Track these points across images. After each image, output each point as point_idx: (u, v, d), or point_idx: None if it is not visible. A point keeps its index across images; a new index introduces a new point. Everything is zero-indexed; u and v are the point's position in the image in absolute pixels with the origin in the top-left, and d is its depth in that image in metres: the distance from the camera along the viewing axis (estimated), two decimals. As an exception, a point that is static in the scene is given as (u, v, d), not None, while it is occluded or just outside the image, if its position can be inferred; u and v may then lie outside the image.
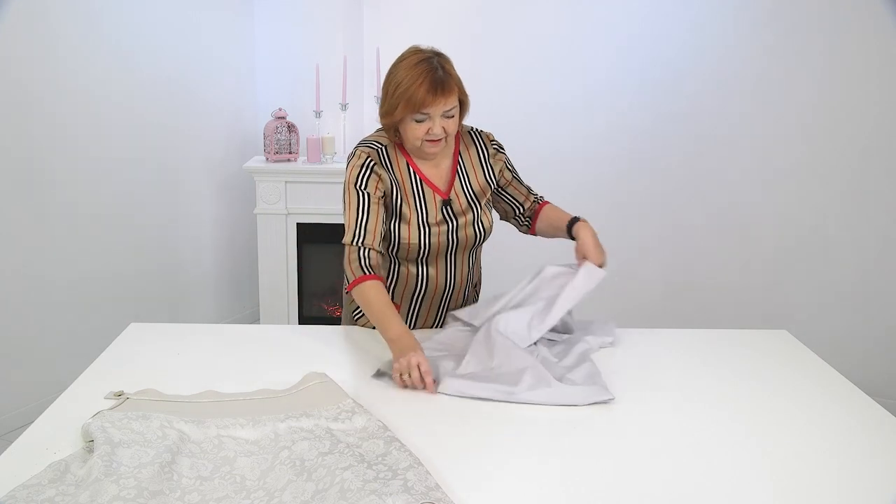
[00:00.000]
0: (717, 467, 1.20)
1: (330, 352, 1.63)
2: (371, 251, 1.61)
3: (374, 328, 1.81)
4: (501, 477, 1.15)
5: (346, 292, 1.71)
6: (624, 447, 1.25)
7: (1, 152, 2.61)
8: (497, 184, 1.81)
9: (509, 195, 1.83)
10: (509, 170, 1.82)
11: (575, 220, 1.74)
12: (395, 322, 1.53)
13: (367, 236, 1.62)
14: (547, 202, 1.86)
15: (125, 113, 3.07)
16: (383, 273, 1.69)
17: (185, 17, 3.30)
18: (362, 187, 1.64)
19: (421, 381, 1.41)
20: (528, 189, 1.86)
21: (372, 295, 1.56)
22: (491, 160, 1.77)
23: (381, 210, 1.65)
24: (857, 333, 3.10)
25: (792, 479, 1.18)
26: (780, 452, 1.25)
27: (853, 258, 3.09)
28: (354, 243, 1.61)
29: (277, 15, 3.58)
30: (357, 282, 1.59)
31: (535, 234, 1.87)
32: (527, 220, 1.86)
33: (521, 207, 1.85)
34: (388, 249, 1.72)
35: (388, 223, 1.68)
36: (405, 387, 1.43)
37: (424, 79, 1.54)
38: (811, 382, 1.54)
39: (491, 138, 1.81)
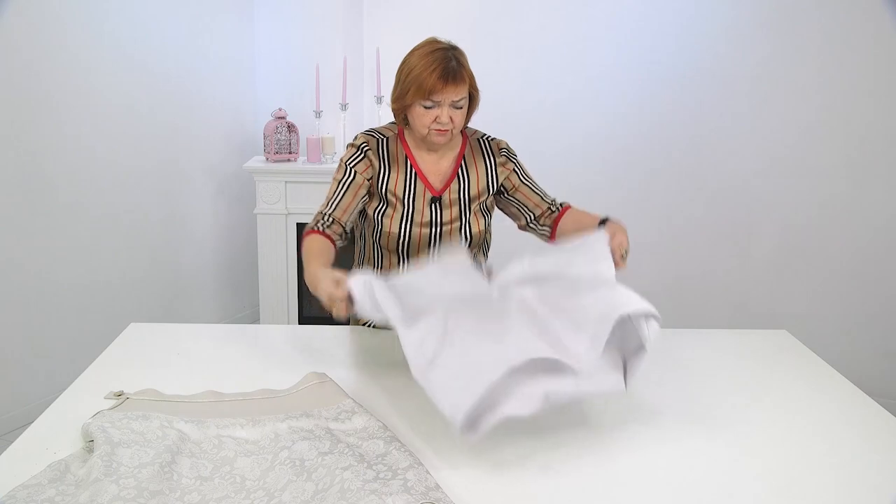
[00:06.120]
0: (717, 467, 1.20)
1: (330, 352, 1.63)
2: (335, 222, 1.65)
3: (372, 326, 1.82)
4: (501, 477, 1.15)
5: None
6: (624, 447, 1.25)
7: (1, 151, 2.61)
8: (504, 189, 1.77)
9: (517, 201, 1.78)
10: (518, 174, 1.76)
11: (606, 220, 1.63)
12: (315, 264, 1.48)
13: (336, 210, 1.66)
14: (569, 207, 1.78)
15: (125, 113, 3.07)
16: (337, 241, 1.66)
17: (185, 17, 3.30)
18: (351, 165, 1.69)
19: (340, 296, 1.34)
20: (542, 196, 1.78)
21: (311, 244, 1.58)
22: (497, 169, 1.75)
23: (362, 192, 1.69)
24: (857, 333, 3.10)
25: (791, 478, 1.18)
26: (780, 452, 1.25)
27: (853, 258, 3.09)
28: (322, 211, 1.67)
29: (277, 15, 3.58)
30: (305, 235, 1.63)
31: (554, 241, 1.76)
32: (544, 229, 1.78)
33: (531, 214, 1.78)
34: (373, 236, 1.74)
35: (373, 209, 1.71)
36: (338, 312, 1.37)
37: (437, 67, 1.56)
38: (811, 382, 1.54)
39: (501, 146, 1.77)
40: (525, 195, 1.78)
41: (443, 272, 1.48)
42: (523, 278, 1.42)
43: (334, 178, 1.71)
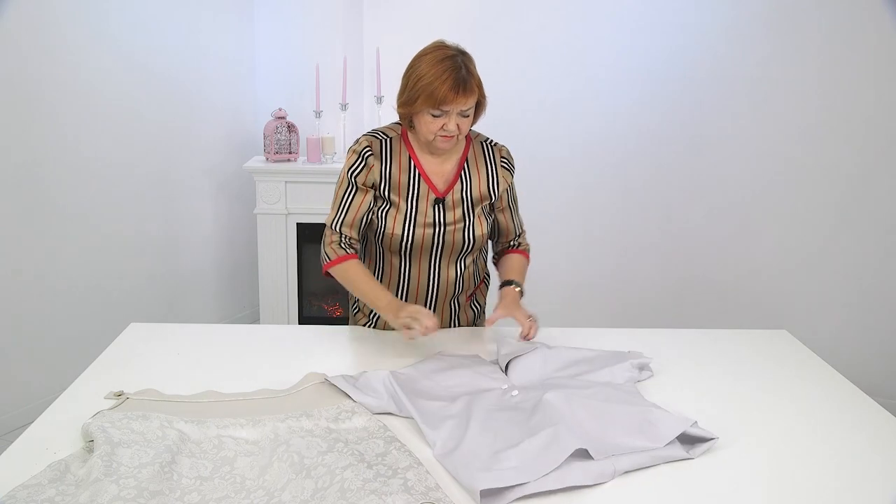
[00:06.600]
0: (716, 466, 1.20)
1: (330, 352, 1.63)
2: (348, 238, 1.70)
3: (373, 327, 1.82)
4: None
5: (325, 274, 1.73)
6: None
7: (1, 151, 2.61)
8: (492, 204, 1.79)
9: (496, 220, 1.81)
10: (508, 194, 1.79)
11: (509, 282, 1.72)
12: (383, 292, 1.64)
13: (344, 225, 1.70)
14: (520, 251, 1.83)
15: (125, 113, 3.07)
16: (359, 251, 1.76)
17: (185, 17, 3.30)
18: (353, 176, 1.69)
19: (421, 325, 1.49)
20: (515, 226, 1.83)
21: (356, 272, 1.67)
22: (498, 174, 1.75)
23: (367, 201, 1.70)
24: (857, 333, 3.10)
25: (791, 478, 1.18)
26: (780, 452, 1.25)
27: (853, 258, 3.09)
28: (334, 227, 1.70)
29: (277, 15, 3.58)
30: (339, 261, 1.68)
31: (496, 267, 1.87)
32: (496, 254, 1.87)
33: (496, 236, 1.84)
34: (374, 237, 1.74)
35: (377, 211, 1.71)
36: (412, 339, 1.52)
37: (448, 77, 1.54)
38: (811, 382, 1.55)
39: (503, 154, 1.77)
40: (505, 219, 1.82)
41: (457, 361, 1.53)
42: (544, 381, 1.45)
43: (337, 191, 1.72)
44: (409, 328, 1.51)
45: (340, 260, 1.67)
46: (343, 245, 1.68)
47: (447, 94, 1.54)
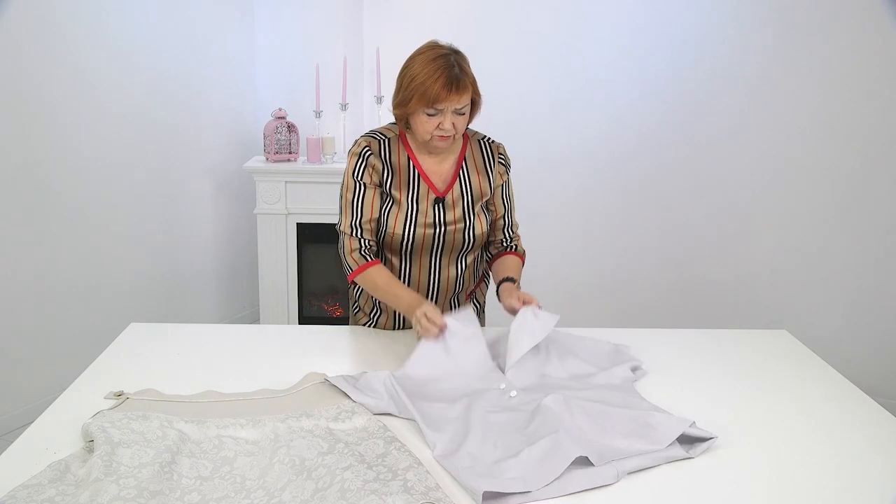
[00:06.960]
0: (716, 466, 1.20)
1: (330, 352, 1.63)
2: (371, 241, 1.70)
3: (373, 327, 1.82)
4: (501, 477, 1.15)
5: (350, 282, 1.73)
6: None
7: (1, 151, 2.61)
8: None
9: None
10: (502, 189, 1.78)
11: (509, 279, 1.71)
12: (405, 290, 1.63)
13: (363, 229, 1.69)
14: (516, 253, 1.80)
15: (126, 113, 3.07)
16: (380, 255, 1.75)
17: (185, 18, 3.30)
18: (359, 177, 1.69)
19: (431, 327, 1.50)
20: (506, 222, 1.81)
21: (378, 277, 1.66)
22: (494, 170, 1.75)
23: (377, 201, 1.70)
24: (857, 333, 3.10)
25: (791, 478, 1.18)
26: (779, 452, 1.25)
27: (853, 258, 3.09)
28: (354, 234, 1.69)
29: (277, 15, 3.59)
30: (361, 269, 1.67)
31: (490, 270, 1.85)
32: (487, 254, 1.85)
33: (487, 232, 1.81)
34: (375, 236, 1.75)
35: (381, 209, 1.71)
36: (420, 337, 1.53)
37: (441, 75, 1.55)
38: (811, 382, 1.55)
39: (500, 151, 1.77)
40: (495, 215, 1.80)
41: (453, 347, 1.52)
42: (542, 381, 1.46)
43: (345, 196, 1.70)
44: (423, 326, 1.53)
45: (363, 268, 1.67)
46: (364, 252, 1.68)
47: (440, 93, 1.55)
